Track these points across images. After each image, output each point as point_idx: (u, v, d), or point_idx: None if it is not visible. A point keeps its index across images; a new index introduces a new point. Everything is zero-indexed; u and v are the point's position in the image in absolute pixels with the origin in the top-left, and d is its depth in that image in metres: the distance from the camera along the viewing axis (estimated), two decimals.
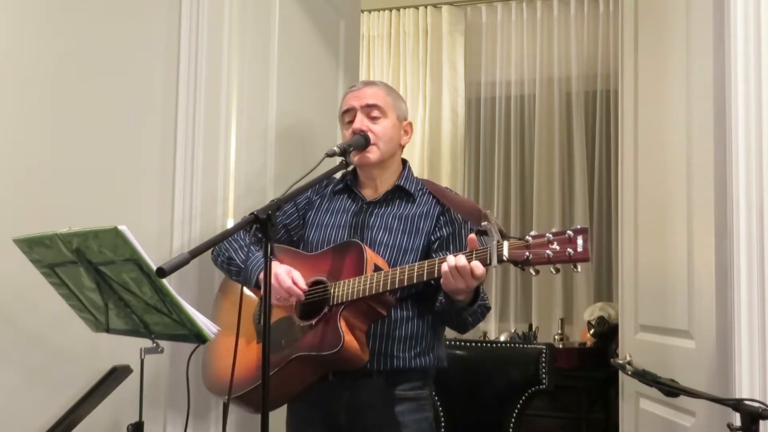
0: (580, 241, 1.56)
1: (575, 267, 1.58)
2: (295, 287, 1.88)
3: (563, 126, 4.74)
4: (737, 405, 1.47)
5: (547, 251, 1.58)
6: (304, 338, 1.89)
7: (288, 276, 1.89)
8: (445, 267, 1.71)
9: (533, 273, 1.62)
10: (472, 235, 1.73)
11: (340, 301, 1.85)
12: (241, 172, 2.52)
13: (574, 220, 4.64)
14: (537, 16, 4.86)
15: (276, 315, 1.95)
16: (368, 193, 2.11)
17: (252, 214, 1.58)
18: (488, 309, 1.96)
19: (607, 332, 4.03)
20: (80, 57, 2.08)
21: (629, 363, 2.34)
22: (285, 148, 2.73)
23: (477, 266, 1.69)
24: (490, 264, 1.66)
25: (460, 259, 1.70)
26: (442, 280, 1.74)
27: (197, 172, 2.39)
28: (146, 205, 2.32)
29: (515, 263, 1.63)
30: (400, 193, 2.08)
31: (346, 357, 1.83)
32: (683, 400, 2.07)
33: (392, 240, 2.01)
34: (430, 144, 4.95)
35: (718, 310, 1.93)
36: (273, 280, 1.87)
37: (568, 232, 1.57)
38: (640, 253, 2.54)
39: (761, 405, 1.46)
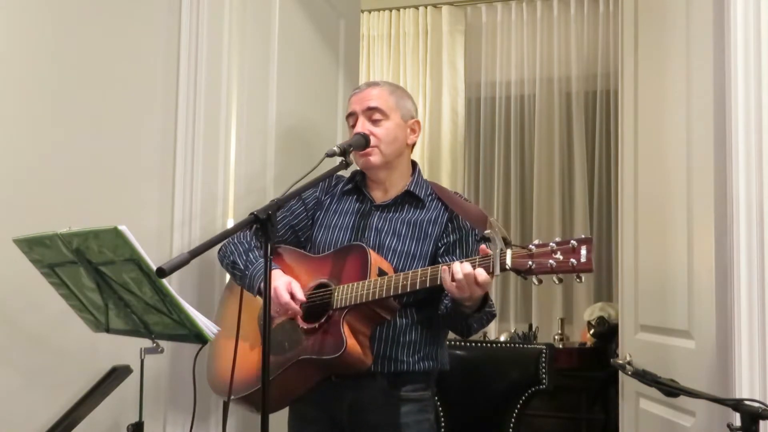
0: (583, 251, 1.55)
1: (578, 278, 1.57)
2: (291, 303, 1.87)
3: (563, 126, 4.74)
4: (737, 405, 1.47)
5: (550, 261, 1.57)
6: (307, 341, 1.88)
7: (286, 290, 1.88)
8: (448, 277, 1.70)
9: (536, 282, 1.61)
10: (483, 246, 1.72)
11: (343, 305, 1.85)
12: (241, 172, 2.51)
13: (574, 219, 4.65)
14: (537, 16, 4.87)
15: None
16: (377, 195, 2.10)
17: (252, 214, 1.58)
18: (494, 316, 1.94)
19: (607, 332, 4.03)
20: (80, 57, 2.08)
21: (629, 363, 2.34)
22: (285, 148, 2.73)
23: (480, 273, 1.68)
24: (493, 272, 1.65)
25: (465, 267, 1.69)
26: (446, 289, 1.73)
27: (197, 172, 2.39)
28: (146, 205, 2.32)
29: (518, 272, 1.62)
30: (409, 198, 2.07)
31: (348, 361, 1.83)
32: (683, 400, 2.07)
33: (401, 246, 2.00)
34: (430, 144, 4.96)
35: (718, 310, 1.93)
36: (272, 293, 1.87)
37: (572, 241, 1.56)
38: (640, 253, 2.54)
39: (761, 405, 1.46)
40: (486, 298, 1.82)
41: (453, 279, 1.70)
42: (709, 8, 2.02)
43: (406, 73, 5.07)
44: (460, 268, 1.69)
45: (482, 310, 1.84)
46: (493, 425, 3.04)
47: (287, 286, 1.89)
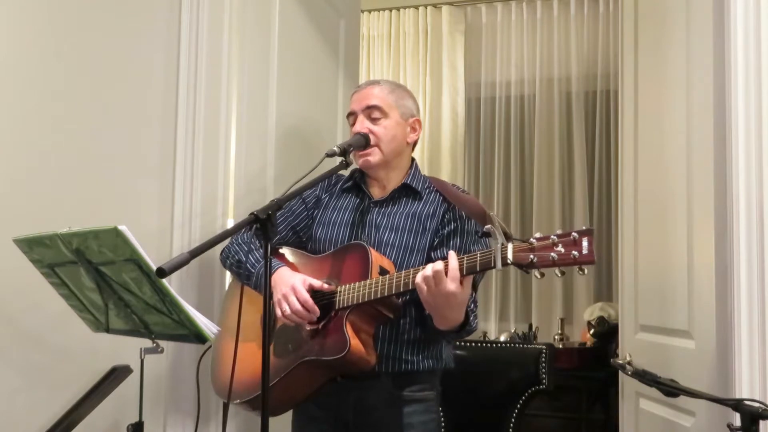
0: (585, 243, 1.53)
1: (581, 270, 1.55)
2: (303, 310, 1.86)
3: (563, 126, 4.74)
4: (737, 405, 1.48)
5: (552, 254, 1.55)
6: (311, 342, 1.88)
7: (304, 287, 1.87)
8: (419, 278, 1.69)
9: (538, 276, 1.59)
10: (452, 252, 1.70)
11: (346, 305, 1.84)
12: (241, 172, 2.51)
13: (574, 220, 4.65)
14: (537, 16, 4.87)
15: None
16: (376, 192, 2.10)
17: (252, 214, 1.58)
18: (473, 330, 1.91)
19: (607, 332, 4.03)
20: (80, 57, 2.08)
21: (629, 363, 2.34)
22: (285, 148, 2.73)
23: (453, 266, 1.66)
24: (494, 267, 1.62)
25: (437, 264, 1.67)
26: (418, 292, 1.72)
27: (197, 172, 2.39)
28: (146, 205, 2.32)
29: (519, 266, 1.60)
30: (407, 191, 2.07)
31: (352, 361, 1.82)
32: (683, 400, 2.07)
33: (398, 240, 2.00)
34: (430, 144, 4.96)
35: (718, 310, 1.93)
36: (287, 302, 1.88)
37: (573, 233, 1.55)
38: (640, 253, 2.54)
39: (761, 405, 1.46)
40: (465, 321, 1.81)
41: (423, 279, 1.68)
42: (709, 8, 2.02)
43: (406, 73, 5.06)
44: (431, 266, 1.67)
45: (461, 330, 1.84)
46: (493, 425, 3.04)
47: (304, 283, 1.88)
